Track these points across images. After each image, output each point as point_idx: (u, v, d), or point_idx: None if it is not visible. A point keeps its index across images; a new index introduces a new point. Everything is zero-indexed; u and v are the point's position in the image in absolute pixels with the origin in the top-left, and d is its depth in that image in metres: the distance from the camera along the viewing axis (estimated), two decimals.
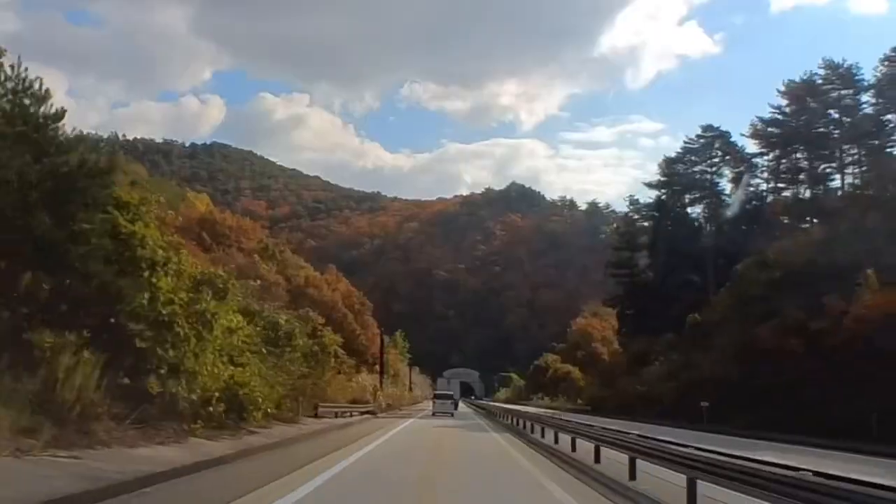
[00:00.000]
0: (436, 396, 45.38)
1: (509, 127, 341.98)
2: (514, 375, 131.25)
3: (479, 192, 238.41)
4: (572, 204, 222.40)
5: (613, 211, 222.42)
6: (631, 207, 66.80)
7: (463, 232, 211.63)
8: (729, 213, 50.33)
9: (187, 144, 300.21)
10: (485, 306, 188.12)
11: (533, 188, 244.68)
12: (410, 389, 75.21)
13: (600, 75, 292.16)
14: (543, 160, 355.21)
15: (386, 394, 45.32)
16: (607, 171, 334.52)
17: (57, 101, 11.95)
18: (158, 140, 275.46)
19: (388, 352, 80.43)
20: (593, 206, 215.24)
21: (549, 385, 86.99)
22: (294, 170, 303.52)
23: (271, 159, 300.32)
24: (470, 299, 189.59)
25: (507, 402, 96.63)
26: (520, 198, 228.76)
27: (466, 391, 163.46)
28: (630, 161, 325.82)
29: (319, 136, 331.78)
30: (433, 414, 41.27)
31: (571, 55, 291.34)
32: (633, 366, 46.90)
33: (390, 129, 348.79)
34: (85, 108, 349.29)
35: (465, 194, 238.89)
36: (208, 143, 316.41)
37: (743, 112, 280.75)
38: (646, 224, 63.82)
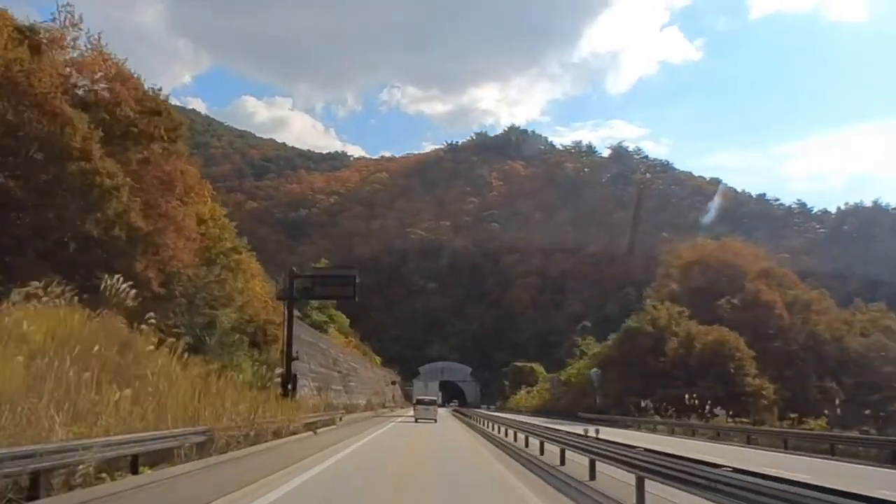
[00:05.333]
0: (418, 402, 42.11)
1: (490, 131, 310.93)
2: (535, 367, 79.74)
3: (466, 139, 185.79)
4: (590, 149, 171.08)
5: (646, 157, 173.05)
6: None
7: (448, 182, 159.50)
8: None
9: None
10: (478, 276, 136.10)
11: (537, 132, 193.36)
12: (289, 390, 21.79)
13: (582, 79, 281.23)
14: None
15: None
16: None
17: None
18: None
19: (244, 280, 27.65)
20: (619, 149, 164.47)
21: (671, 373, 35.11)
22: (244, 131, 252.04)
23: (217, 119, 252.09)
24: (458, 266, 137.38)
25: (538, 414, 46.62)
26: (522, 144, 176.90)
27: (453, 394, 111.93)
28: None
29: (300, 139, 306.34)
30: (416, 420, 36.81)
31: (553, 59, 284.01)
32: None
33: (371, 132, 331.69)
34: None
35: (450, 142, 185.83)
36: None
37: (723, 117, 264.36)
38: None
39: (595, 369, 44.65)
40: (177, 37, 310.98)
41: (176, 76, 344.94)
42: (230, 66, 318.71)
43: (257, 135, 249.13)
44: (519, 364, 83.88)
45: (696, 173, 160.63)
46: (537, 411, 54.71)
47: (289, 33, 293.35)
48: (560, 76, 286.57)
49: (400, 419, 39.89)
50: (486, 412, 49.35)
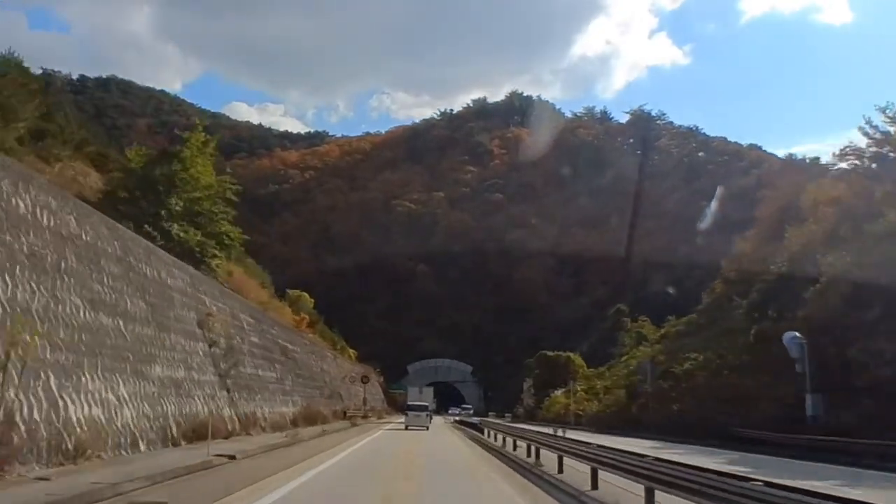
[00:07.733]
0: (408, 408, 39.96)
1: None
2: (573, 357, 57.14)
3: (460, 108, 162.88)
4: (604, 115, 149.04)
5: (671, 123, 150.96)
6: None
7: (442, 150, 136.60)
8: None
9: (75, 77, 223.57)
10: (479, 256, 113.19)
11: (543, 97, 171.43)
12: None
13: (572, 85, 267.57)
14: None
15: None
16: None
17: None
18: (36, 70, 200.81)
19: None
20: (639, 113, 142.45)
21: None
22: (218, 112, 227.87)
23: (190, 101, 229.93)
24: (454, 245, 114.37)
25: (613, 430, 24.04)
26: (526, 110, 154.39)
27: (450, 398, 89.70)
28: None
29: None
30: (406, 427, 35.87)
31: (543, 66, 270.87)
32: None
33: None
34: None
35: (443, 110, 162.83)
36: (104, 76, 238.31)
37: (714, 121, 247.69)
38: None
39: (793, 333, 21.26)
40: (165, 43, 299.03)
41: (167, 82, 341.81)
42: (221, 73, 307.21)
43: (232, 117, 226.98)
44: (550, 353, 60.64)
45: (730, 139, 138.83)
46: (612, 427, 31.83)
47: (279, 40, 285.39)
48: (551, 82, 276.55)
49: (349, 452, 17.07)
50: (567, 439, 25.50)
